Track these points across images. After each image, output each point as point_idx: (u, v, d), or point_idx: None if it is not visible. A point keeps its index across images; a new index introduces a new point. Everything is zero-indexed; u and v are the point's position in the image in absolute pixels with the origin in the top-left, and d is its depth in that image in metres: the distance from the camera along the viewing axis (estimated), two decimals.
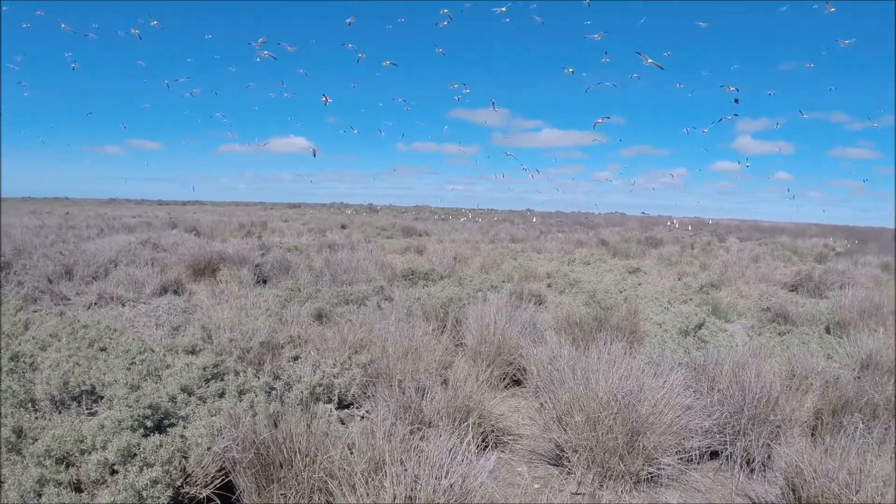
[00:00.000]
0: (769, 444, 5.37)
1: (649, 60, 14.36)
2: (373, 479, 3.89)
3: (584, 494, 4.93)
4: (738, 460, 5.47)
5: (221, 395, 5.50)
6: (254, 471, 4.28)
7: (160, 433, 4.49)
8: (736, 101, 17.15)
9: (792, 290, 16.12)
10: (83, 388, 5.59)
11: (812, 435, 5.56)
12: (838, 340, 9.39)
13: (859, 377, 6.60)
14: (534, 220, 54.41)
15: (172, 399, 5.16)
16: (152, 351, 6.75)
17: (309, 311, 8.57)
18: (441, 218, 54.60)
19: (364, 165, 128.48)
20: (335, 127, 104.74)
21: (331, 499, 4.01)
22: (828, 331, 10.74)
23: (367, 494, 3.81)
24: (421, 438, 4.38)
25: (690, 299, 12.95)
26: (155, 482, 3.97)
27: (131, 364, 6.21)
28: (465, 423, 5.25)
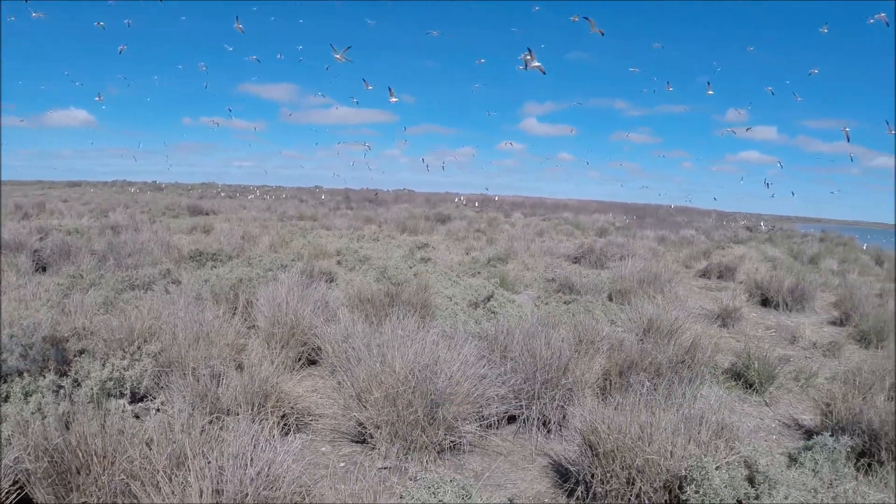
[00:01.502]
0: (563, 406, 5.74)
1: (534, 63, 14.18)
2: (176, 476, 3.74)
3: (390, 469, 5.02)
4: (535, 423, 5.82)
5: (6, 399, 5.06)
6: (50, 480, 3.99)
7: None
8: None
9: (575, 262, 17.19)
10: None
11: (602, 395, 5.98)
12: (621, 307, 10.14)
13: (642, 340, 7.16)
14: (322, 197, 54.20)
15: None
16: None
17: (94, 300, 8.06)
18: (229, 196, 53.14)
19: (149, 141, 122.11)
20: (119, 100, 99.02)
21: (135, 501, 3.81)
22: (610, 299, 11.57)
23: (173, 493, 3.66)
24: (221, 428, 4.27)
25: (479, 272, 13.46)
26: None
27: None
28: (265, 408, 5.19)
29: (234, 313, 7.71)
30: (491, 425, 5.67)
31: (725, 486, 4.19)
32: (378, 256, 15.45)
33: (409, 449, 5.16)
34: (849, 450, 5.22)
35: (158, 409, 5.32)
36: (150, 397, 5.76)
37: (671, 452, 4.42)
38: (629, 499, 4.48)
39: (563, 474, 5.16)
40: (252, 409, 5.08)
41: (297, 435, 5.44)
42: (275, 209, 34.59)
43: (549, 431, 5.83)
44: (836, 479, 4.75)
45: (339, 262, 14.40)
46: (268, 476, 3.91)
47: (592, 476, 4.67)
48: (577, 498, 4.74)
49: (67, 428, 4.19)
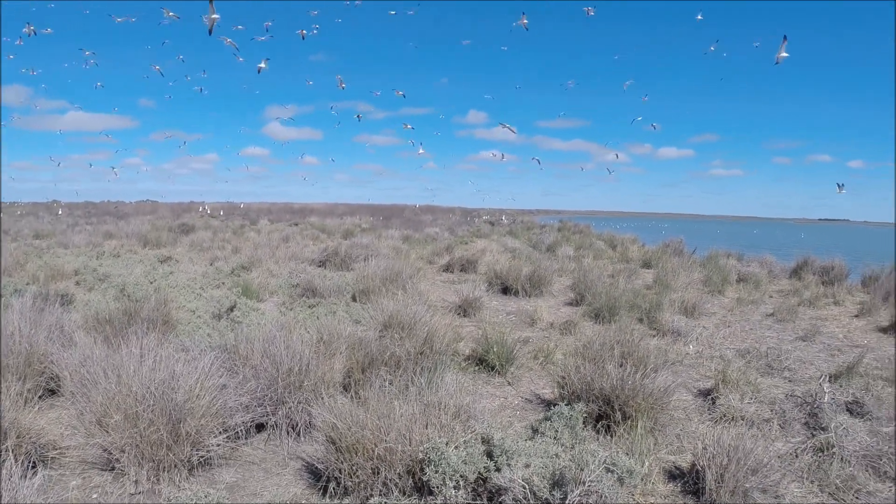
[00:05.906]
0: (308, 408, 5.92)
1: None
2: None
3: (143, 493, 4.97)
4: (284, 428, 6.00)
5: None
6: None
7: None
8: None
9: (321, 266, 17.41)
10: None
11: (346, 392, 6.24)
12: (364, 306, 10.49)
13: (382, 336, 7.48)
14: (59, 212, 50.77)
15: None
16: None
17: None
18: None
19: None
20: None
21: None
22: (354, 299, 11.90)
23: None
24: None
25: (223, 283, 13.39)
26: None
27: None
28: (4, 446, 4.98)
29: None
30: (239, 435, 5.77)
31: (464, 463, 4.59)
32: (119, 273, 14.90)
33: (159, 469, 5.13)
34: (585, 415, 5.85)
35: None
36: None
37: (410, 439, 4.78)
38: (378, 487, 4.78)
39: (315, 474, 5.35)
40: None
41: (43, 470, 5.26)
42: (8, 228, 32.08)
43: (298, 434, 6.02)
44: (577, 443, 5.31)
45: (77, 283, 13.83)
46: None
47: (340, 471, 4.92)
48: (330, 494, 4.96)
49: None
